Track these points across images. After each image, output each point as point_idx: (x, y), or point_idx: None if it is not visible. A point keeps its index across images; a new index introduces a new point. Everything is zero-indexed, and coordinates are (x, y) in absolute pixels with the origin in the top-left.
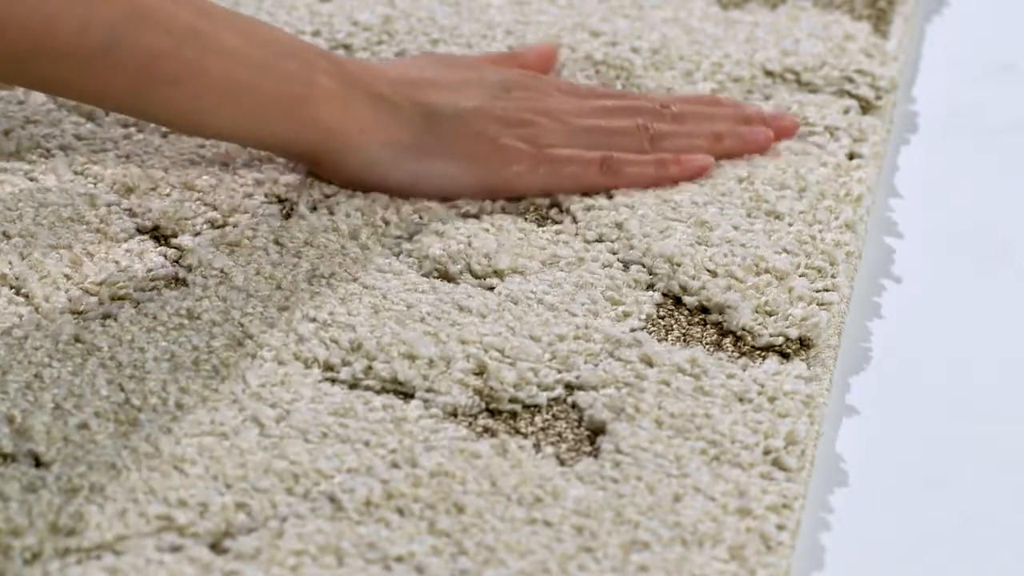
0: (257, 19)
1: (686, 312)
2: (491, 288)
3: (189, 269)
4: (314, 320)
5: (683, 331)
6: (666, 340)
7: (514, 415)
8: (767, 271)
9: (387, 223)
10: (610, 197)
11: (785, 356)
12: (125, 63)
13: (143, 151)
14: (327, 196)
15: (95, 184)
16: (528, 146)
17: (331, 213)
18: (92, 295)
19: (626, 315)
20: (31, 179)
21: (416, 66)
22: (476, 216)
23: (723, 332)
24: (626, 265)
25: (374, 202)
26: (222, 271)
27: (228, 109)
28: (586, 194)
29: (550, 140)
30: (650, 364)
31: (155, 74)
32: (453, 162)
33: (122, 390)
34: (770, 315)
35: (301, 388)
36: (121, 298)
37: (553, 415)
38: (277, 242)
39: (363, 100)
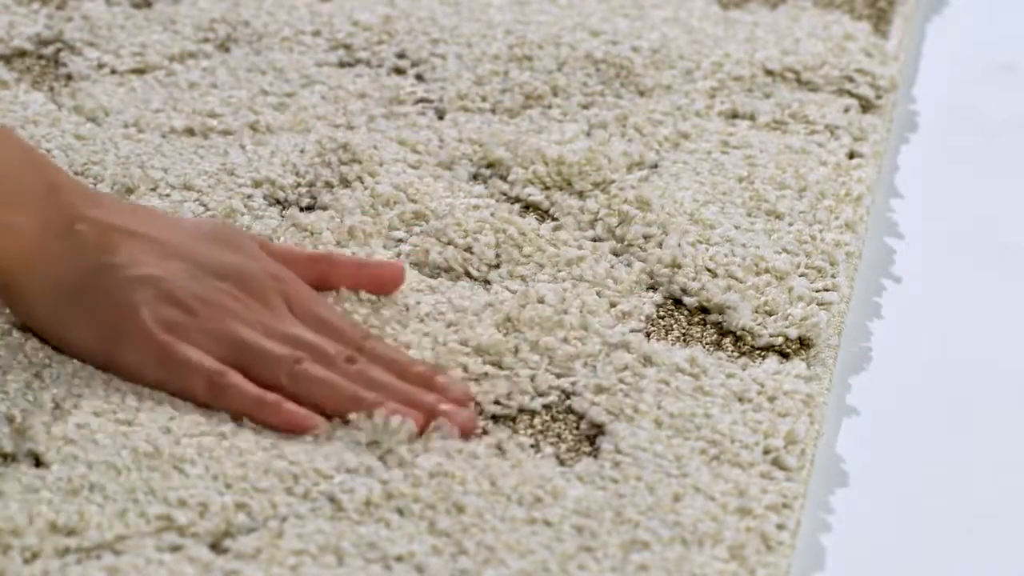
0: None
1: (686, 312)
2: (489, 287)
3: None
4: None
5: (683, 331)
6: (666, 340)
7: (513, 417)
8: (767, 271)
9: (387, 222)
10: (610, 197)
11: (785, 356)
12: None
13: (143, 151)
14: (326, 196)
15: (95, 184)
16: (158, 329)
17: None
18: None
19: (625, 315)
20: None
21: (157, 225)
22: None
23: (723, 332)
24: (626, 265)
25: (375, 201)
26: None
27: None
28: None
29: (186, 336)
30: (650, 364)
31: None
32: (88, 323)
33: (118, 390)
34: (770, 315)
35: None
36: None
37: (552, 416)
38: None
39: (55, 232)
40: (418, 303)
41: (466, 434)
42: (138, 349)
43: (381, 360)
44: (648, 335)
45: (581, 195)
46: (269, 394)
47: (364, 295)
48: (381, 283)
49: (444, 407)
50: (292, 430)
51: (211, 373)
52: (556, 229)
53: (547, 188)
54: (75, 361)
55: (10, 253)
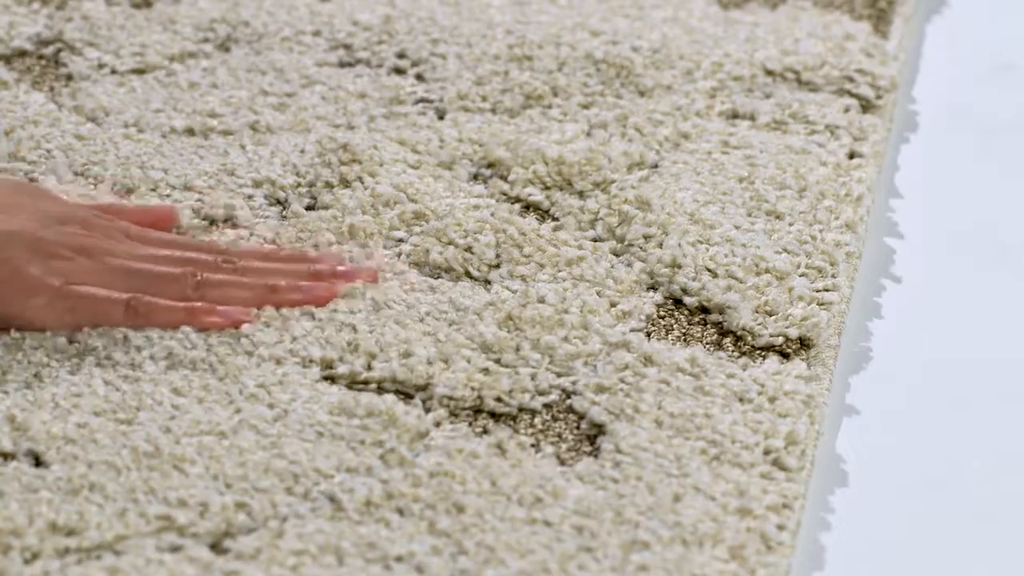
0: None
1: (686, 312)
2: (489, 287)
3: None
4: (313, 319)
5: (683, 331)
6: (666, 340)
7: (513, 416)
8: (767, 271)
9: (388, 222)
10: (610, 196)
11: (785, 356)
12: None
13: (143, 151)
14: (326, 195)
15: (95, 184)
16: (53, 279)
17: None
18: None
19: (626, 315)
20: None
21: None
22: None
23: (723, 332)
24: (627, 265)
25: (375, 201)
26: None
27: None
28: (596, 189)
29: (81, 278)
30: (650, 364)
31: None
32: None
33: (118, 390)
34: (770, 315)
35: (299, 388)
36: None
37: (552, 416)
38: (275, 242)
39: None
40: (419, 303)
41: (367, 279)
42: (39, 303)
43: (252, 256)
44: (648, 335)
45: (581, 195)
46: (200, 304)
47: (367, 293)
48: (155, 220)
49: (341, 268)
50: (230, 327)
51: (122, 301)
52: (556, 229)
53: (547, 188)
54: (75, 361)
55: None
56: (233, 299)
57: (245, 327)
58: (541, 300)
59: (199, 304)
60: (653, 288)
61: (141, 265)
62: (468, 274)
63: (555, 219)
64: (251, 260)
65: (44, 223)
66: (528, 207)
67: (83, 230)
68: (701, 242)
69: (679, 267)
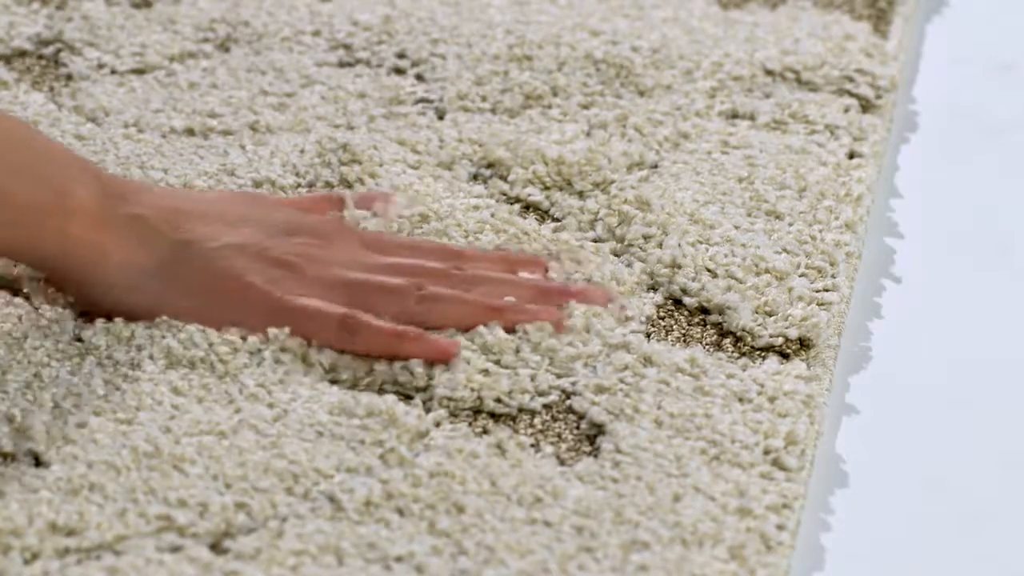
0: (26, 123)
1: (686, 313)
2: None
3: None
4: None
5: (683, 331)
6: (666, 340)
7: (513, 417)
8: (767, 271)
9: (389, 221)
10: (610, 197)
11: (785, 356)
12: None
13: (143, 151)
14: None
15: None
16: (272, 290)
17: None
18: None
19: (627, 315)
20: None
21: (198, 197)
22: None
23: (723, 332)
24: (627, 265)
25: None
26: None
27: None
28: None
29: (301, 289)
30: (650, 364)
31: None
32: (191, 296)
33: (118, 389)
34: (770, 315)
35: (299, 387)
36: None
37: (552, 416)
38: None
39: (116, 219)
40: None
41: (603, 302)
42: (257, 312)
43: (484, 261)
44: (648, 335)
45: (581, 195)
46: (407, 327)
47: None
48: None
49: (574, 288)
50: (436, 359)
51: (341, 317)
52: (557, 230)
53: (547, 188)
54: (75, 360)
55: (79, 242)
56: (453, 316)
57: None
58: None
59: (409, 331)
60: (653, 289)
61: (362, 276)
62: None
63: (555, 219)
64: (481, 266)
65: (270, 234)
66: (528, 207)
67: (312, 239)
68: (701, 242)
69: (679, 267)
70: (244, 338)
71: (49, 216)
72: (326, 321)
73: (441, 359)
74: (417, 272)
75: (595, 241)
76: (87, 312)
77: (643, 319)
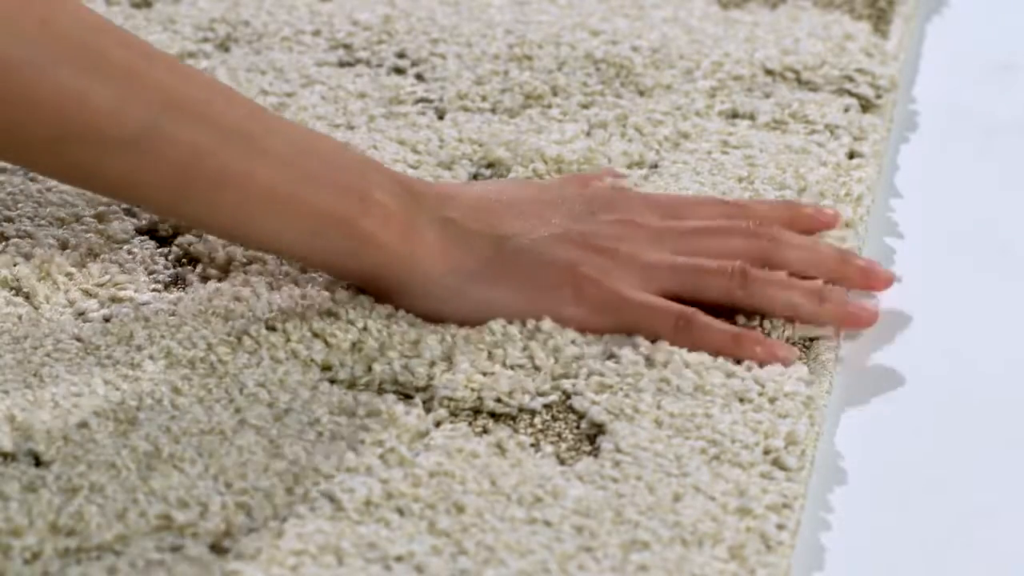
0: (310, 128)
1: None
2: None
3: (192, 268)
4: (316, 317)
5: None
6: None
7: (513, 416)
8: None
9: None
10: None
11: None
12: (162, 155)
13: None
14: None
15: None
16: (602, 279)
17: None
18: (92, 296)
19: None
20: (31, 179)
21: (493, 189)
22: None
23: None
24: None
25: None
26: (223, 270)
27: (275, 219)
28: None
29: (629, 276)
30: (650, 364)
31: (196, 173)
32: (522, 292)
33: (118, 389)
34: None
35: (300, 388)
36: (121, 299)
37: (552, 415)
38: None
39: (428, 223)
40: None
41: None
42: (588, 303)
43: (773, 214)
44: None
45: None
46: (745, 330)
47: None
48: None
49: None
50: (773, 361)
51: (677, 316)
52: None
53: None
54: (75, 361)
55: (389, 251)
56: (777, 302)
57: (249, 329)
58: None
59: (748, 334)
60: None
61: (682, 262)
62: None
63: None
64: (782, 234)
65: (578, 218)
66: None
67: (616, 215)
68: None
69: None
70: (239, 338)
71: (353, 224)
72: (664, 318)
73: (779, 361)
74: (724, 234)
75: None
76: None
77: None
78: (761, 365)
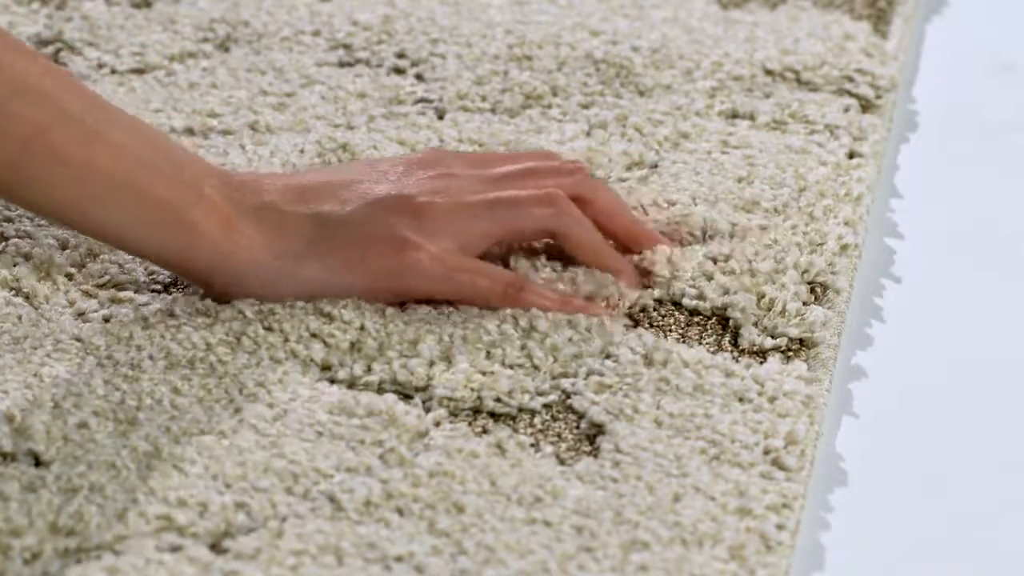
0: (147, 123)
1: (686, 312)
2: None
3: None
4: (313, 318)
5: (682, 331)
6: (666, 340)
7: (513, 416)
8: (766, 271)
9: None
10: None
11: (786, 356)
12: (5, 131)
13: None
14: None
15: None
16: (430, 246)
17: None
18: (92, 297)
19: (628, 316)
20: None
21: (314, 171)
22: None
23: (723, 332)
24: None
25: None
26: None
27: (110, 205)
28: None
29: (448, 226)
30: (650, 363)
31: (34, 148)
32: (351, 269)
33: (118, 389)
34: (770, 315)
35: (299, 387)
36: (121, 300)
37: (552, 415)
38: None
39: (248, 213)
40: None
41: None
42: (418, 274)
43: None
44: (648, 335)
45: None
46: (571, 298)
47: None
48: None
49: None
50: (597, 312)
51: (507, 283)
52: None
53: None
54: (75, 360)
55: (214, 240)
56: (585, 231)
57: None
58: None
59: (574, 302)
60: (653, 288)
61: (500, 195)
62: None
63: None
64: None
65: (392, 179)
66: None
67: (432, 170)
68: (700, 242)
69: (678, 267)
70: (238, 338)
71: (184, 215)
72: (494, 284)
73: (603, 312)
74: (533, 175)
75: None
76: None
77: (643, 318)
78: (761, 361)
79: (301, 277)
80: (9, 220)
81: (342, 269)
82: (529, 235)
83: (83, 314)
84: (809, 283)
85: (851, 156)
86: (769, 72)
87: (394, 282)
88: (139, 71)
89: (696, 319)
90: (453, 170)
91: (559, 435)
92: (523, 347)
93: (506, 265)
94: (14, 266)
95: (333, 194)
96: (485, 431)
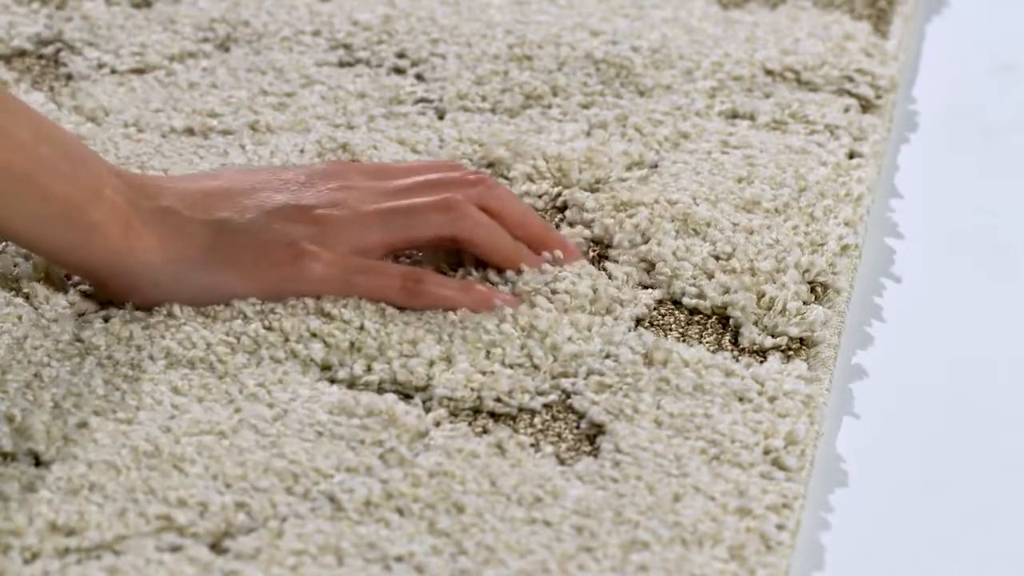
0: (53, 121)
1: (686, 312)
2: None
3: None
4: (314, 317)
5: (682, 331)
6: (666, 340)
7: (513, 416)
8: (767, 271)
9: None
10: (610, 195)
11: (786, 356)
12: None
13: (143, 151)
14: None
15: None
16: (325, 252)
17: None
18: (92, 297)
19: (627, 315)
20: None
21: (215, 176)
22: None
23: (723, 332)
24: (627, 265)
25: None
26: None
27: (9, 199)
28: (596, 188)
29: (344, 237)
30: (650, 363)
31: None
32: (247, 276)
33: (118, 389)
34: (770, 315)
35: (299, 387)
36: None
37: (552, 415)
38: None
39: (147, 216)
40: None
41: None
42: (314, 278)
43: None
44: (648, 334)
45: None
46: (472, 285)
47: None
48: None
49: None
50: (494, 305)
51: (404, 277)
52: (556, 228)
53: (550, 185)
54: (75, 360)
55: (114, 241)
56: (481, 232)
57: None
58: (547, 300)
59: (476, 286)
60: (652, 288)
61: (396, 204)
62: (470, 273)
63: (560, 210)
64: (495, 184)
65: (292, 190)
66: (531, 205)
67: (328, 183)
68: (700, 242)
69: (678, 267)
70: (238, 338)
71: (83, 214)
72: (391, 280)
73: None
74: (435, 186)
75: (593, 241)
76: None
77: (643, 317)
78: (761, 360)
79: (195, 282)
80: None
81: (236, 276)
82: (428, 242)
83: (83, 314)
84: (810, 283)
85: (851, 156)
86: (769, 72)
87: (289, 290)
88: (139, 71)
89: (696, 318)
90: (353, 182)
91: (559, 435)
92: (523, 347)
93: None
94: (14, 266)
95: (233, 201)
96: (485, 431)
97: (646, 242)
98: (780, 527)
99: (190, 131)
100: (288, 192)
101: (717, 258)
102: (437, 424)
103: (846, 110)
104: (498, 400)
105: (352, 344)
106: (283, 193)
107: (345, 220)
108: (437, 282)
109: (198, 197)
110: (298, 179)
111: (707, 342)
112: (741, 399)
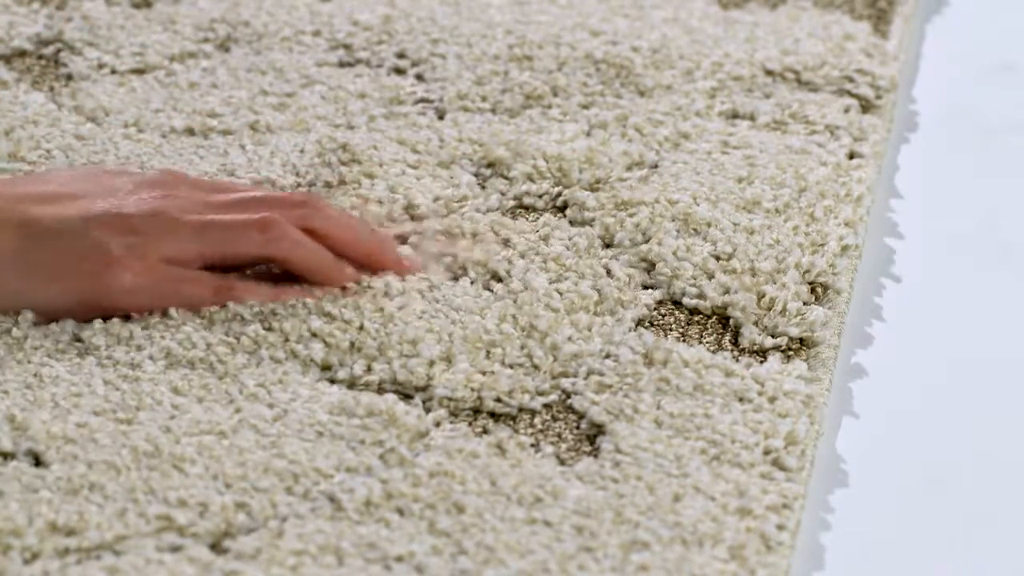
0: None
1: (686, 312)
2: (490, 288)
3: None
4: (314, 317)
5: (683, 331)
6: (666, 340)
7: (513, 416)
8: (767, 271)
9: (389, 221)
10: (609, 196)
11: (786, 356)
12: None
13: (143, 151)
14: (326, 196)
15: None
16: (135, 261)
17: None
18: None
19: (627, 315)
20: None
21: (40, 179)
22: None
23: (723, 332)
24: (627, 265)
25: (374, 198)
26: (222, 269)
27: None
28: (596, 188)
29: (158, 245)
30: (650, 363)
31: None
32: (56, 282)
33: (118, 389)
34: (770, 315)
35: (299, 387)
36: None
37: (552, 416)
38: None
39: None
40: (421, 299)
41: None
42: (127, 288)
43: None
44: (648, 334)
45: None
46: (285, 289)
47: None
48: None
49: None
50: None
51: (216, 284)
52: (554, 229)
53: (550, 184)
54: (75, 360)
55: None
56: (299, 251)
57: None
58: (546, 300)
59: (286, 289)
60: (652, 288)
61: (213, 219)
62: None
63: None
64: (320, 204)
65: (116, 197)
66: (525, 207)
67: (154, 191)
68: (700, 242)
69: (678, 267)
70: (238, 338)
71: None
72: (202, 287)
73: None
74: (259, 203)
75: (594, 239)
76: None
77: (643, 317)
78: (761, 361)
79: (3, 288)
80: None
81: (45, 281)
82: (246, 259)
83: None
84: (810, 283)
85: (851, 156)
86: (769, 72)
87: (98, 298)
88: (139, 71)
89: (696, 318)
90: (178, 192)
91: (559, 435)
92: (523, 347)
93: None
94: None
95: (51, 204)
96: (485, 431)
97: (647, 241)
98: (780, 527)
99: (190, 131)
100: (112, 199)
101: (717, 258)
102: (437, 424)
103: (846, 110)
104: (498, 400)
105: (352, 344)
106: (106, 199)
107: (163, 229)
108: (249, 289)
109: (15, 199)
110: (126, 185)
111: (707, 342)
112: (741, 399)
